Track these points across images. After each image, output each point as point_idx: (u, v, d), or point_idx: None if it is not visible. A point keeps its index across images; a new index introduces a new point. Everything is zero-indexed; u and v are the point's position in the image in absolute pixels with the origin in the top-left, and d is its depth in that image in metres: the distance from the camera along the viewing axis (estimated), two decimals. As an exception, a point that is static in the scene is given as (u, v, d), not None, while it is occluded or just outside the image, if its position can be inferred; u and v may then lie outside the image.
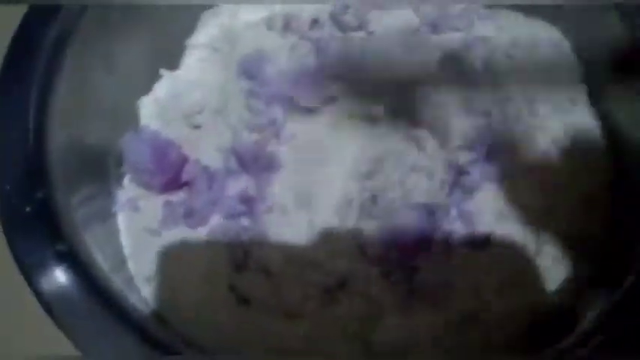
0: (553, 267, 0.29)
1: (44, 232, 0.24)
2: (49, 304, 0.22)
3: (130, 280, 0.28)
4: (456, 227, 0.31)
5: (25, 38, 0.28)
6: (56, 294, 0.23)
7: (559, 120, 0.32)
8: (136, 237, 0.31)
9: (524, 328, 0.28)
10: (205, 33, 0.35)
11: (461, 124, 0.32)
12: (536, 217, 0.30)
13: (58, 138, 0.27)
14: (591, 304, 0.26)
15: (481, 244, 0.30)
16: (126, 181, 0.32)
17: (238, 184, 0.32)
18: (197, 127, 0.34)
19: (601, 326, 0.24)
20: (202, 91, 0.34)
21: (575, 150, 0.31)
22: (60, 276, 0.23)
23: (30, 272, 0.23)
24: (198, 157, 0.33)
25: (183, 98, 0.34)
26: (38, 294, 0.23)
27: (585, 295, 0.28)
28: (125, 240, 0.30)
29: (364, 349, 0.28)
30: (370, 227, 0.31)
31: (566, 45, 0.34)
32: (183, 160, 0.32)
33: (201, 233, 0.31)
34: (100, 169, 0.31)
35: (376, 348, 0.28)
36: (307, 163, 0.32)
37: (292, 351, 0.27)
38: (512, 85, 0.33)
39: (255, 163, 0.32)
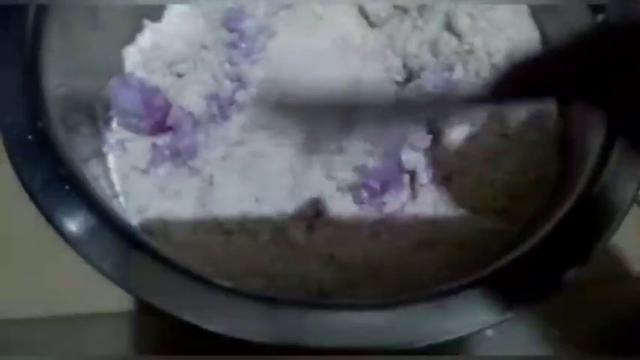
0: (505, 197, 0.33)
1: (46, 157, 0.26)
2: (54, 222, 0.25)
3: (122, 213, 0.31)
4: (422, 167, 0.34)
5: None
6: (61, 212, 0.25)
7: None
8: (125, 175, 0.33)
9: (479, 249, 0.31)
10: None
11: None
12: (493, 155, 0.33)
13: (51, 83, 0.29)
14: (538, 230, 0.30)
15: (443, 181, 0.33)
16: (114, 124, 0.34)
17: (220, 128, 0.34)
18: (180, 75, 0.36)
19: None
20: (184, 42, 0.36)
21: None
22: (63, 196, 0.25)
23: (34, 194, 0.25)
24: (181, 103, 0.35)
25: (166, 48, 0.36)
26: (44, 213, 0.25)
27: (534, 222, 0.32)
28: (116, 178, 0.33)
29: (338, 269, 0.31)
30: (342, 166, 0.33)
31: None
32: (168, 105, 0.34)
33: (185, 173, 0.33)
34: (90, 112, 0.33)
35: (348, 268, 0.31)
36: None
37: (274, 273, 0.30)
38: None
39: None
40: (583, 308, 0.36)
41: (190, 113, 0.34)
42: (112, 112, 0.34)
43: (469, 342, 0.34)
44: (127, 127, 0.34)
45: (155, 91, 0.35)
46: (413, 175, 0.34)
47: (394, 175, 0.33)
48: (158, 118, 0.34)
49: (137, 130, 0.34)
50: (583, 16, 0.32)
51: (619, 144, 0.28)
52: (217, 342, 0.25)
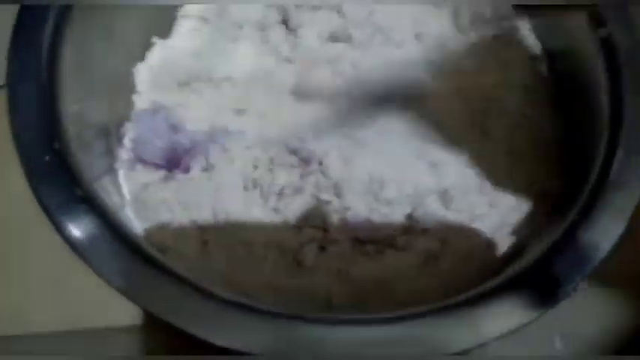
0: (509, 213, 0.33)
1: (63, 177, 0.26)
2: (73, 243, 0.25)
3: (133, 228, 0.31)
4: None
5: (31, 14, 0.30)
6: (77, 232, 0.26)
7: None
8: (136, 191, 0.33)
9: (483, 264, 0.32)
10: (195, 4, 0.38)
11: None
12: (496, 171, 0.34)
13: (67, 102, 0.29)
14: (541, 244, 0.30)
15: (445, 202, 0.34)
16: (126, 141, 0.35)
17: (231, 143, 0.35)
18: (189, 92, 0.37)
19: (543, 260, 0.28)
20: (192, 59, 0.37)
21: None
22: (79, 215, 0.26)
23: (52, 214, 0.26)
24: (190, 121, 0.35)
25: (175, 65, 0.37)
26: (61, 233, 0.25)
27: (537, 237, 0.32)
28: (127, 193, 0.33)
29: (346, 283, 0.31)
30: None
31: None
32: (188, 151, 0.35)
33: (196, 188, 0.34)
34: (103, 130, 0.33)
35: (356, 282, 0.31)
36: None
37: (282, 286, 0.31)
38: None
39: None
40: (587, 313, 0.36)
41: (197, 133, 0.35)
42: (123, 129, 0.35)
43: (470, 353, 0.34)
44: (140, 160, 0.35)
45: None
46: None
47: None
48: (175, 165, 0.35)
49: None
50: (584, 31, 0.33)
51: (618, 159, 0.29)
52: (227, 355, 0.25)
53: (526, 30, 0.37)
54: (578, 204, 0.29)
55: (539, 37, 0.37)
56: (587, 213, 0.29)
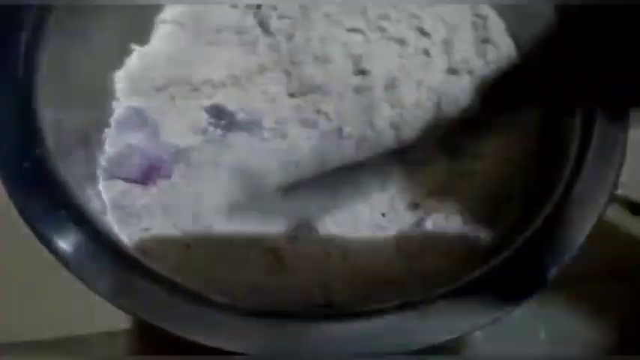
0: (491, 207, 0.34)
1: (43, 184, 0.26)
2: (55, 250, 0.25)
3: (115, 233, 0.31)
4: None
5: (6, 20, 0.30)
6: (58, 238, 0.25)
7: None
8: (117, 196, 0.33)
9: (465, 256, 0.32)
10: (173, 10, 0.38)
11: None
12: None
13: (46, 109, 0.29)
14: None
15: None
16: (106, 147, 0.35)
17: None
18: (168, 97, 0.37)
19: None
20: (171, 64, 0.37)
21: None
22: (59, 222, 0.26)
23: (31, 221, 0.25)
24: (169, 126, 0.36)
25: (153, 71, 0.37)
26: (41, 240, 0.25)
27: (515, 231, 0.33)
28: (107, 199, 0.33)
29: (329, 283, 0.32)
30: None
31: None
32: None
33: (176, 192, 0.34)
34: (83, 136, 0.33)
35: (337, 282, 0.32)
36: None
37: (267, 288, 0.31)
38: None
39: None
40: (570, 307, 0.37)
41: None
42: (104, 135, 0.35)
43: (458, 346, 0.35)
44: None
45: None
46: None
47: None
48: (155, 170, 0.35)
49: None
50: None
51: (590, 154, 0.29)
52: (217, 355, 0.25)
53: (501, 31, 0.38)
54: (552, 198, 0.30)
55: (513, 37, 0.37)
56: (560, 206, 0.29)
